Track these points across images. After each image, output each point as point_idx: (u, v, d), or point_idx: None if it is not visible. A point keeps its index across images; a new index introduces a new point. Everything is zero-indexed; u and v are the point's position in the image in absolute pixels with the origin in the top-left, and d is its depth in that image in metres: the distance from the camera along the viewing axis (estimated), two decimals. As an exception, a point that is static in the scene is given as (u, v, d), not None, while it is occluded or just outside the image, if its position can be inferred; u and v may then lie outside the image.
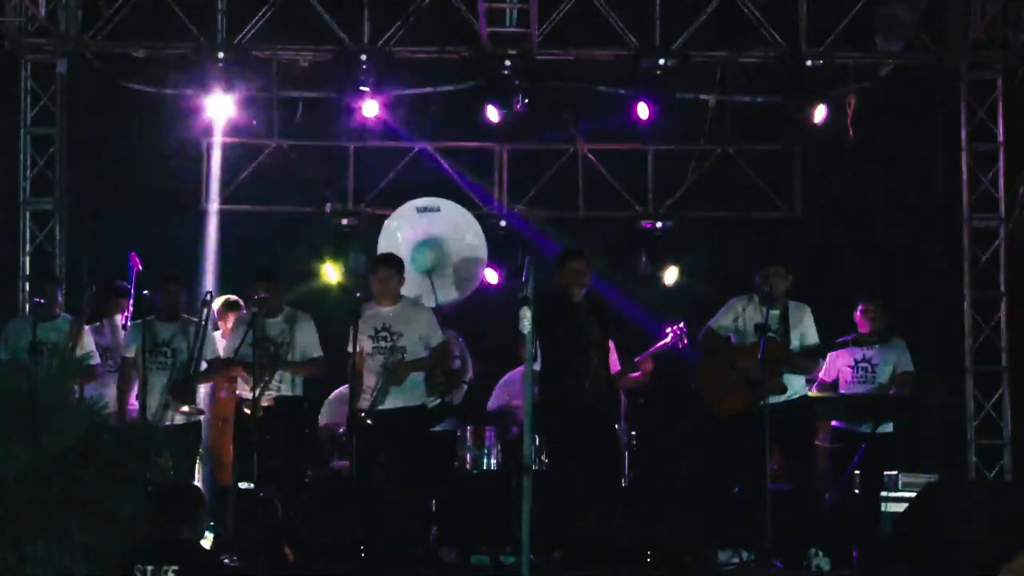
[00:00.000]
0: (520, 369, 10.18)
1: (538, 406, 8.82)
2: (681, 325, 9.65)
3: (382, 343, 8.95)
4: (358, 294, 9.28)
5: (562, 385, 8.78)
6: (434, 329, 9.16)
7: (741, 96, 11.63)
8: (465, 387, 9.99)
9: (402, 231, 11.02)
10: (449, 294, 10.74)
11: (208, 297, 9.50)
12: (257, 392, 8.94)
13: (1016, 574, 7.03)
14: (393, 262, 9.25)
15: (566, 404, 8.78)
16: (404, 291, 9.28)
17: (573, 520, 8.47)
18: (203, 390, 9.58)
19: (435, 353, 9.11)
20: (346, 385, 9.21)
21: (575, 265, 8.92)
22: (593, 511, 8.43)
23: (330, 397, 10.07)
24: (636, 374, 9.94)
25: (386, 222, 11.19)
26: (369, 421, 8.88)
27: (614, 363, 9.44)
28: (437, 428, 9.51)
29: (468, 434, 9.80)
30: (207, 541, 8.63)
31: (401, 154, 11.85)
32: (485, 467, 9.86)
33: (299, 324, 9.35)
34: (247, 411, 8.79)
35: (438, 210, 11.14)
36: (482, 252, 11.18)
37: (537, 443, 9.21)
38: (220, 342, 9.63)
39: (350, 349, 8.94)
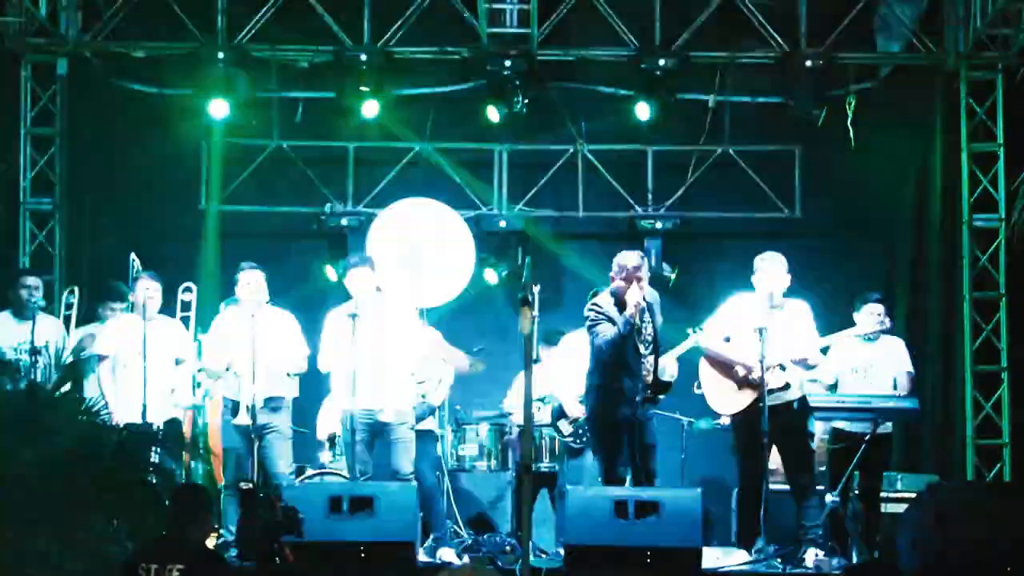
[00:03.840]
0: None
1: (590, 407, 8.88)
2: (702, 327, 9.61)
3: (376, 343, 8.99)
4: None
5: (617, 385, 8.72)
6: (421, 329, 9.22)
7: (741, 96, 11.63)
8: (445, 387, 10.01)
9: (390, 232, 11.07)
10: (435, 297, 10.78)
11: (187, 290, 9.56)
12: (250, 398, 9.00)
13: None
14: (366, 263, 9.30)
15: (620, 405, 8.70)
16: (391, 292, 9.32)
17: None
18: (202, 389, 9.61)
19: (424, 352, 9.20)
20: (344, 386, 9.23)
21: (634, 271, 8.83)
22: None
23: (327, 398, 10.07)
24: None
25: (373, 223, 11.25)
26: (369, 420, 8.94)
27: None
28: (419, 427, 9.55)
29: (467, 433, 9.82)
30: (211, 541, 8.64)
31: (401, 154, 11.85)
32: (484, 467, 9.88)
33: (282, 321, 9.39)
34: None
35: (427, 212, 11.21)
36: (470, 255, 11.22)
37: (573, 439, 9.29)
38: (213, 341, 9.64)
39: (342, 349, 8.97)
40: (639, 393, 8.65)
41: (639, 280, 8.61)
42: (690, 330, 9.51)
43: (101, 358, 9.37)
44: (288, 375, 9.39)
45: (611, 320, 8.63)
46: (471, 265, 11.43)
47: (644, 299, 8.64)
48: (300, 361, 9.41)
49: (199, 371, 9.67)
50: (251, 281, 9.29)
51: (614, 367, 8.67)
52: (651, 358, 8.76)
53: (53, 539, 6.61)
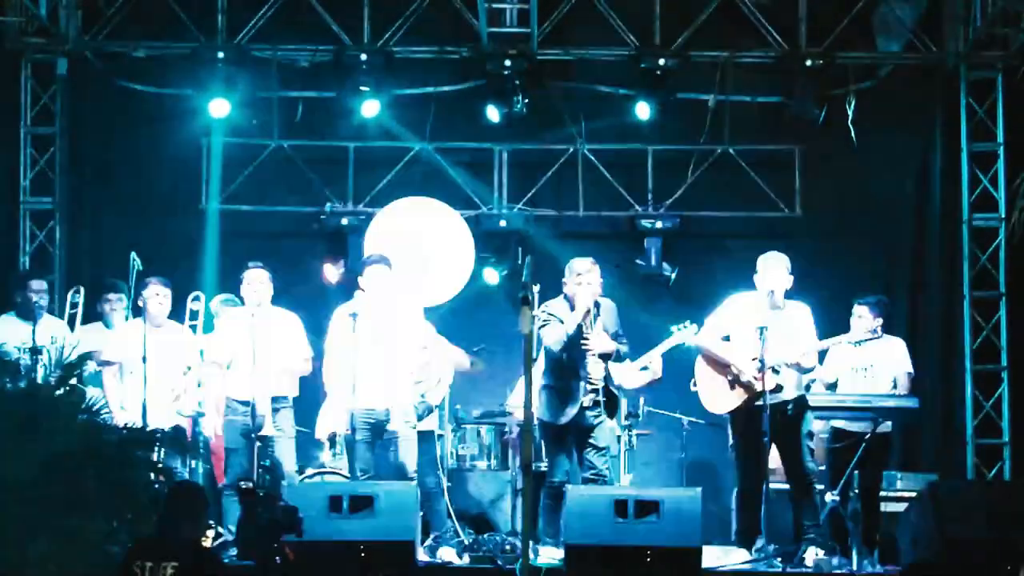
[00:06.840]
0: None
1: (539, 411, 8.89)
2: (686, 323, 9.65)
3: (378, 343, 8.99)
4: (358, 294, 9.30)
5: (563, 392, 8.82)
6: (424, 328, 9.22)
7: (741, 96, 11.63)
8: (444, 386, 10.00)
9: (390, 231, 11.07)
10: (436, 296, 10.78)
11: (196, 298, 9.53)
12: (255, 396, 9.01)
13: None
14: (384, 262, 9.29)
15: (565, 406, 8.81)
16: (394, 291, 9.32)
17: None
18: (202, 390, 9.60)
19: (426, 352, 9.20)
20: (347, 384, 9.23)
21: (585, 275, 8.90)
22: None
23: (327, 397, 10.06)
24: (645, 373, 9.97)
25: (372, 222, 11.27)
26: (371, 419, 8.94)
27: (622, 367, 9.43)
28: (419, 427, 9.54)
29: (468, 434, 9.82)
30: (208, 539, 8.64)
31: (401, 154, 11.85)
32: (485, 466, 9.87)
33: (287, 322, 9.39)
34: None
35: (426, 211, 11.21)
36: (470, 254, 11.23)
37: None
38: (216, 340, 9.64)
39: (344, 348, 8.97)
40: (584, 395, 8.77)
41: (589, 284, 8.82)
42: (673, 328, 9.55)
43: (109, 364, 9.39)
44: (291, 375, 9.40)
45: (561, 322, 8.80)
46: (471, 264, 11.43)
47: (594, 304, 8.83)
48: (303, 363, 9.43)
49: (203, 367, 9.66)
50: (253, 280, 9.31)
51: (561, 369, 8.82)
52: (600, 364, 8.84)
53: (54, 540, 6.61)
